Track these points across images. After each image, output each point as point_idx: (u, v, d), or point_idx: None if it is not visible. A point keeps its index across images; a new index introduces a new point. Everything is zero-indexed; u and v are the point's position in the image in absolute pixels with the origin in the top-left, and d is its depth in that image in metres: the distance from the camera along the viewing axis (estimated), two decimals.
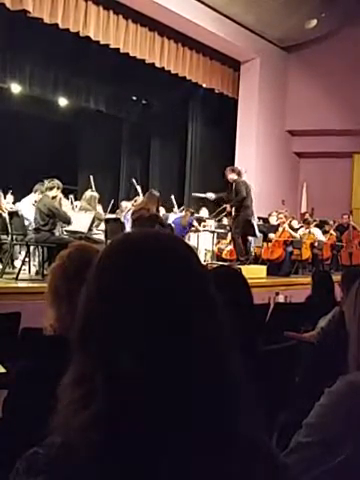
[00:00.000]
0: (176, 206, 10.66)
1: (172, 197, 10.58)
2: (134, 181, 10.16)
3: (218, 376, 0.69)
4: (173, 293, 0.70)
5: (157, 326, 0.67)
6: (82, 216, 7.35)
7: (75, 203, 8.91)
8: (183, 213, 9.76)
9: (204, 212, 10.87)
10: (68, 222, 7.02)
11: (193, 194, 9.82)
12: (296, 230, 10.39)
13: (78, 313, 0.73)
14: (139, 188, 9.55)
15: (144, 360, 0.66)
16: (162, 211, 10.37)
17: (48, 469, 0.66)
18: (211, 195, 8.93)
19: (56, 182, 6.88)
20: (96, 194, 7.99)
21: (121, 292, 0.70)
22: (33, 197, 7.57)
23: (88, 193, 7.97)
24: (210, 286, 0.75)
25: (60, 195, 7.12)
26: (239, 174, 8.44)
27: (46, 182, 7.32)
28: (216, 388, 0.69)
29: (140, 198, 9.21)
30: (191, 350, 0.68)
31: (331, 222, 11.42)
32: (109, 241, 0.81)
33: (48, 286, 1.61)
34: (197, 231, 9.63)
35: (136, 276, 0.70)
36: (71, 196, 9.01)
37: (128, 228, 7.43)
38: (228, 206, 8.53)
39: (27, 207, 7.32)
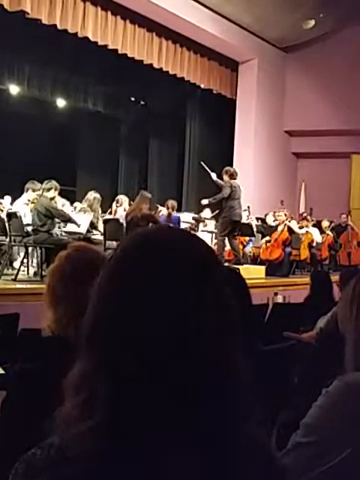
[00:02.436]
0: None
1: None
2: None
3: (222, 377, 0.69)
4: (188, 294, 0.68)
5: (159, 326, 0.67)
6: (81, 217, 7.34)
7: (75, 204, 8.88)
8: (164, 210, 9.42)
9: (207, 213, 10.79)
10: (68, 220, 6.99)
11: (202, 162, 9.48)
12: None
13: (87, 314, 0.71)
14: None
15: (143, 360, 0.66)
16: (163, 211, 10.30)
17: (47, 470, 0.66)
18: (214, 175, 8.86)
19: (54, 183, 6.87)
20: (98, 196, 7.96)
21: (137, 292, 0.68)
22: (26, 196, 7.53)
23: (91, 194, 7.93)
24: (226, 287, 0.74)
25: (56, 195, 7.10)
26: (231, 176, 8.44)
27: (36, 183, 7.30)
28: (219, 388, 0.68)
29: (121, 198, 9.10)
30: (198, 350, 0.67)
31: (327, 223, 11.37)
32: (124, 239, 0.78)
33: (46, 287, 1.61)
34: (193, 230, 9.55)
35: (153, 277, 0.68)
36: (66, 201, 8.89)
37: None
38: (203, 200, 8.76)
39: (21, 207, 7.29)
